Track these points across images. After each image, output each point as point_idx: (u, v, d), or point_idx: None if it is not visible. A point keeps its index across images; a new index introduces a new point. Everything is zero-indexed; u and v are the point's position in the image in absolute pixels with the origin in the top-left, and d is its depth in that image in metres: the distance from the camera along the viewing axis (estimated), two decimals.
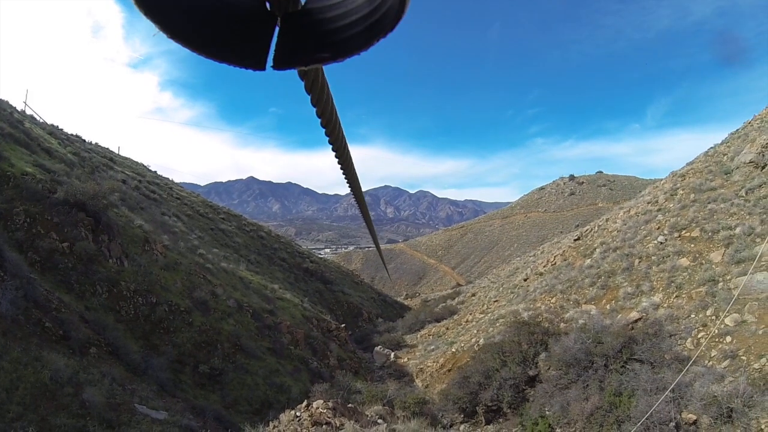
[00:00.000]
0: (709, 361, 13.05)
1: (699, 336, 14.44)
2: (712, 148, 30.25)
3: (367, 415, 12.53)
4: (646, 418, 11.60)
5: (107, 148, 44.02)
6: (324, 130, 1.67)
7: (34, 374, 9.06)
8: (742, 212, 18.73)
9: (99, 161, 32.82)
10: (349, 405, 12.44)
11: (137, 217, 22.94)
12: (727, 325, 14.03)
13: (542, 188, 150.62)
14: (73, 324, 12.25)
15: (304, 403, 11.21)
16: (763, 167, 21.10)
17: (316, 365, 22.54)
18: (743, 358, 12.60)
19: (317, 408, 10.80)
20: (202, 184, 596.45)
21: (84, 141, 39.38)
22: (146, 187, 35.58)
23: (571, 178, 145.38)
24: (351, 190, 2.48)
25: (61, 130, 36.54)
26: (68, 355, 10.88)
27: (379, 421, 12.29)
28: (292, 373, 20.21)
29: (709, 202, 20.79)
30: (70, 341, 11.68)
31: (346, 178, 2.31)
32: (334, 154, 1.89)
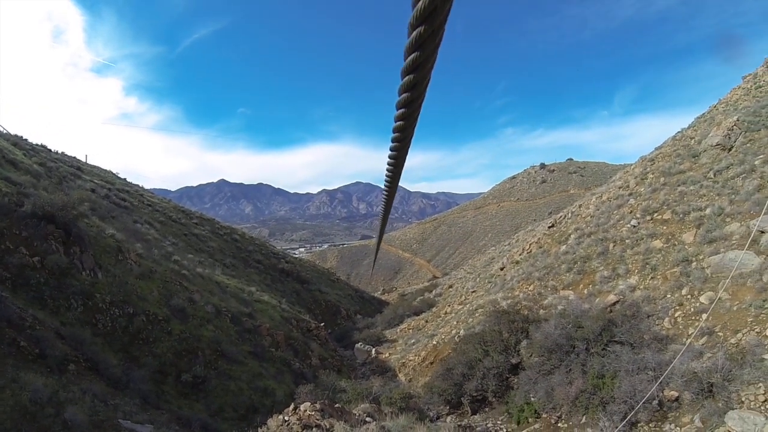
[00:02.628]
0: (687, 339, 13.31)
1: (676, 315, 14.73)
2: (679, 132, 30.91)
3: (355, 414, 12.48)
4: (631, 398, 11.81)
5: (74, 157, 42.98)
6: (402, 111, 1.56)
7: (12, 397, 8.80)
8: (712, 193, 19.16)
9: (66, 171, 31.99)
10: (336, 405, 12.38)
11: (109, 227, 22.45)
12: (703, 303, 14.35)
13: (514, 177, 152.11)
14: (49, 341, 11.94)
15: (291, 406, 11.10)
16: (730, 149, 21.61)
17: (299, 366, 22.44)
18: (720, 334, 12.89)
19: (305, 411, 10.71)
20: (172, 189, 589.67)
21: (50, 150, 38.34)
22: (116, 195, 34.87)
23: (542, 166, 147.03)
24: (388, 188, 2.40)
25: (26, 140, 35.51)
26: (46, 374, 10.60)
27: (368, 419, 12.25)
28: (275, 375, 20.08)
29: (678, 185, 21.20)
30: (47, 359, 11.38)
31: (390, 174, 2.23)
32: (397, 137, 1.78)
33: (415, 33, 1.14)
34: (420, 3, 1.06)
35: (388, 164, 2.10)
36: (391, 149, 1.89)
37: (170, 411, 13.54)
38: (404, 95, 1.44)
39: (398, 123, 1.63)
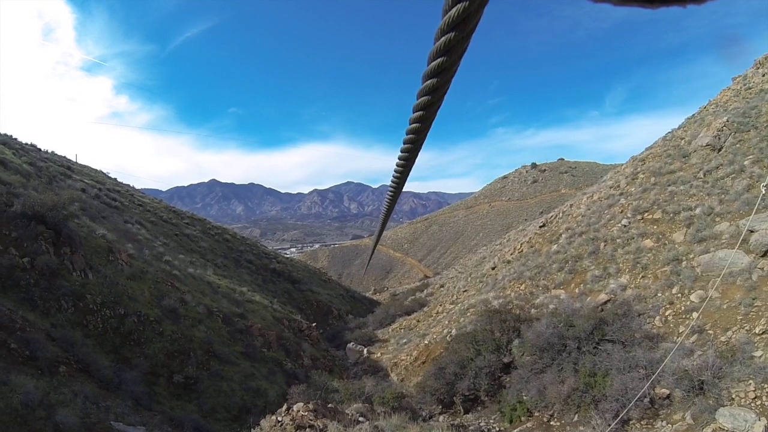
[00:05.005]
0: (677, 337, 13.40)
1: (666, 314, 14.85)
2: (669, 132, 31.11)
3: (348, 414, 12.46)
4: (622, 396, 11.88)
5: (64, 157, 42.54)
6: (420, 113, 1.57)
7: (3, 400, 8.71)
8: (701, 193, 19.32)
9: (56, 170, 31.72)
10: (329, 405, 12.36)
11: (99, 227, 22.30)
12: (693, 301, 14.48)
13: (505, 177, 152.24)
14: (40, 343, 11.84)
15: (284, 406, 11.07)
16: (720, 150, 21.79)
17: (291, 366, 22.39)
18: (710, 332, 13.00)
19: (298, 411, 10.69)
20: (163, 189, 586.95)
21: (39, 150, 37.95)
22: (107, 195, 34.60)
23: (534, 166, 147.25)
24: (393, 191, 2.40)
25: (15, 139, 35.13)
26: (37, 377, 10.50)
27: (361, 419, 12.24)
28: (267, 376, 20.02)
29: (669, 185, 21.36)
30: (38, 361, 11.28)
31: (397, 179, 2.23)
32: (410, 139, 1.78)
33: (444, 38, 1.15)
34: (453, 10, 1.06)
35: (398, 165, 2.11)
36: (402, 150, 1.90)
37: (162, 412, 13.47)
38: (424, 98, 1.45)
39: (414, 125, 1.64)
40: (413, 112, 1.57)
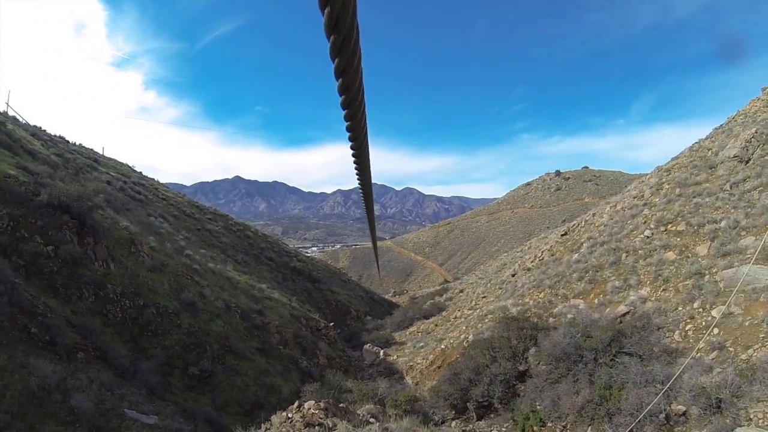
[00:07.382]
0: (697, 353, 13.15)
1: (687, 328, 14.55)
2: (696, 143, 30.53)
3: (359, 415, 12.47)
4: (637, 411, 11.69)
5: (91, 149, 43.47)
6: (345, 111, 1.59)
7: (21, 381, 8.90)
8: (727, 206, 18.92)
9: (83, 162, 32.41)
10: (341, 404, 12.39)
11: (123, 219, 22.70)
12: (714, 317, 14.16)
13: (528, 184, 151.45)
14: (60, 329, 12.06)
15: (296, 403, 11.11)
16: (747, 161, 21.34)
17: (306, 364, 22.47)
18: (731, 349, 12.71)
19: (309, 409, 10.72)
20: (188, 184, 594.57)
21: (68, 142, 38.88)
22: (131, 187, 35.20)
23: (557, 173, 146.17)
24: (360, 184, 2.40)
25: (45, 131, 36.03)
26: (55, 361, 10.70)
27: (372, 420, 12.23)
28: (282, 373, 20.13)
29: (694, 197, 20.97)
30: (56, 347, 11.49)
31: (358, 172, 2.24)
32: (350, 137, 1.80)
33: (331, 40, 1.15)
34: (324, 15, 1.06)
35: (355, 166, 2.11)
36: (351, 148, 1.90)
37: (176, 403, 13.61)
38: (343, 97, 1.46)
39: (347, 123, 1.65)
40: (342, 109, 1.58)
